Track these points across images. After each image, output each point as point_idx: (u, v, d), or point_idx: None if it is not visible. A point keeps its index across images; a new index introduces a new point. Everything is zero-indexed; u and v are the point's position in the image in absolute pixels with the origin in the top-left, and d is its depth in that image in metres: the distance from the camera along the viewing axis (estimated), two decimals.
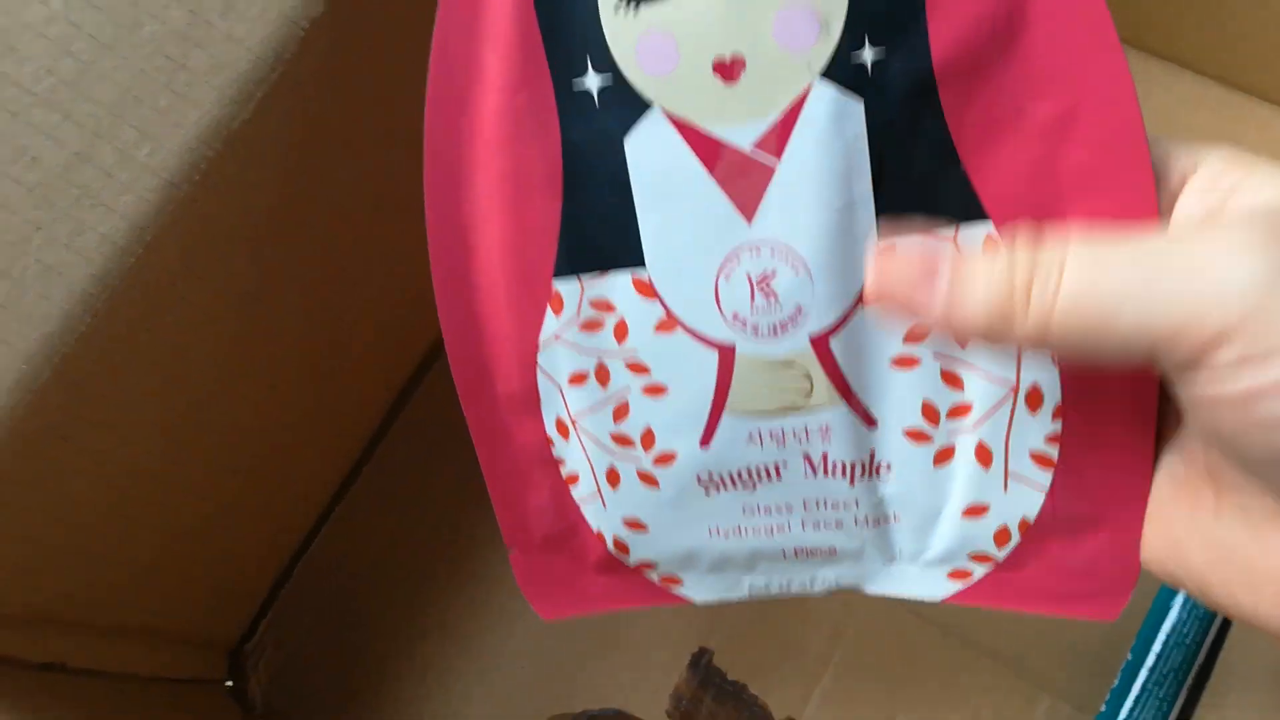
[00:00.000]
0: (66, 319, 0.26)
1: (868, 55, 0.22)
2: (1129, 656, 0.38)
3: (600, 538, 0.27)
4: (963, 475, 0.25)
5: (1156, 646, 0.38)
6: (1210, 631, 0.38)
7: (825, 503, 0.25)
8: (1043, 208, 0.22)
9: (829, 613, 0.41)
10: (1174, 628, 0.38)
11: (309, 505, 0.44)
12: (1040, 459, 0.24)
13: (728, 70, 0.22)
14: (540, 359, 0.25)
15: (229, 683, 0.42)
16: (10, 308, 0.26)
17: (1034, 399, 0.24)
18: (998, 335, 0.20)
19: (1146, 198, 0.21)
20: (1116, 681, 0.38)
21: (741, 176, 0.23)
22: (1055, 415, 0.24)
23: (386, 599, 0.44)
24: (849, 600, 0.41)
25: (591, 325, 0.25)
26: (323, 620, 0.43)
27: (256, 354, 0.34)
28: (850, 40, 0.22)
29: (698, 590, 0.27)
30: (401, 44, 0.32)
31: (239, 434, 0.35)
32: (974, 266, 0.20)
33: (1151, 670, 0.37)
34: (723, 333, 0.24)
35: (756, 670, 0.41)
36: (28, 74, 0.26)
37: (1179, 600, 0.38)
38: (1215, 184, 0.21)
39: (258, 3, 0.27)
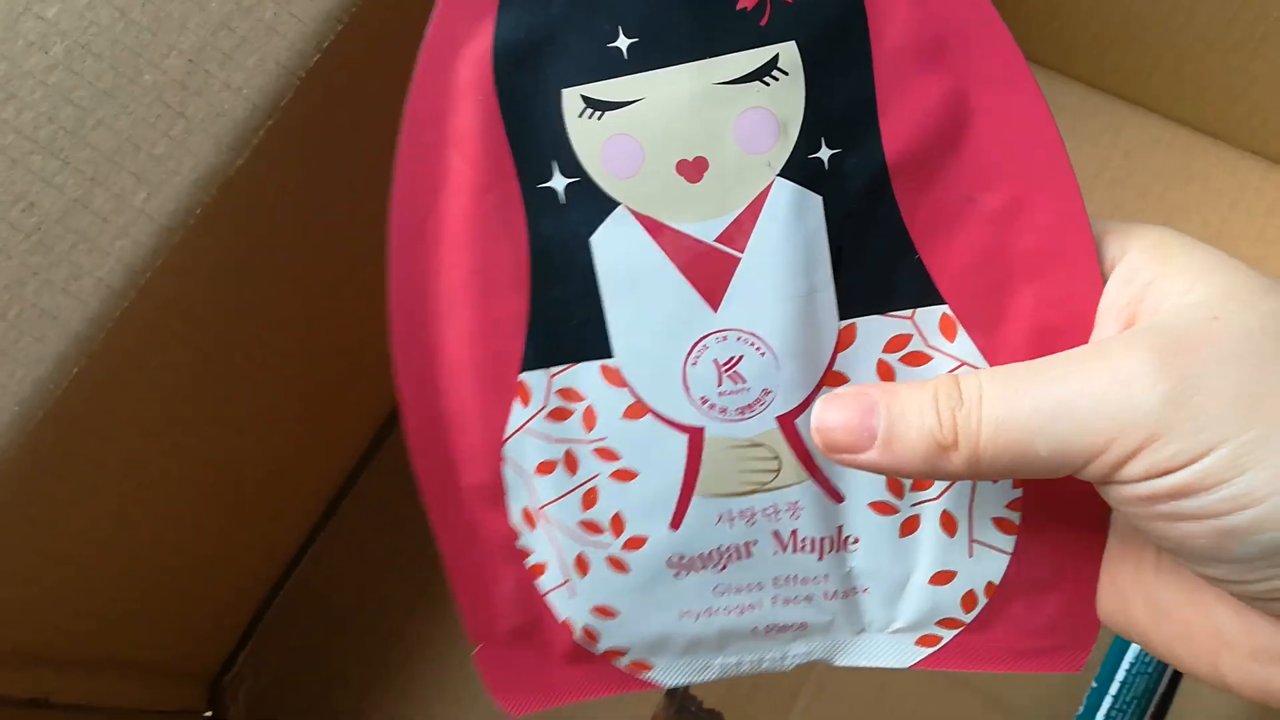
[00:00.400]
0: (60, 361, 0.26)
1: (824, 154, 0.23)
2: (1094, 684, 0.39)
3: (567, 628, 0.27)
4: (928, 544, 0.25)
5: (1120, 674, 0.39)
6: None
7: (795, 579, 0.26)
8: (994, 289, 0.23)
9: None
10: (1138, 654, 0.39)
11: (290, 536, 0.44)
12: (1003, 524, 0.25)
13: (691, 171, 0.23)
14: (506, 450, 0.25)
15: (208, 714, 0.42)
16: (5, 352, 0.26)
17: None
18: (935, 469, 0.21)
19: (1091, 276, 0.22)
20: (1081, 709, 0.39)
21: (706, 268, 0.23)
22: (1015, 482, 0.25)
23: (365, 629, 0.44)
24: None
25: (559, 414, 0.25)
26: (301, 650, 0.44)
27: (244, 391, 0.34)
28: (807, 143, 0.23)
29: (667, 675, 0.27)
30: (393, 93, 0.33)
31: (225, 468, 0.36)
32: (905, 405, 0.22)
33: (1115, 697, 0.38)
34: (691, 417, 0.24)
35: (732, 699, 0.42)
36: (27, 121, 0.26)
37: None
38: (1135, 276, 0.22)
39: (254, 53, 0.27)
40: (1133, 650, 0.39)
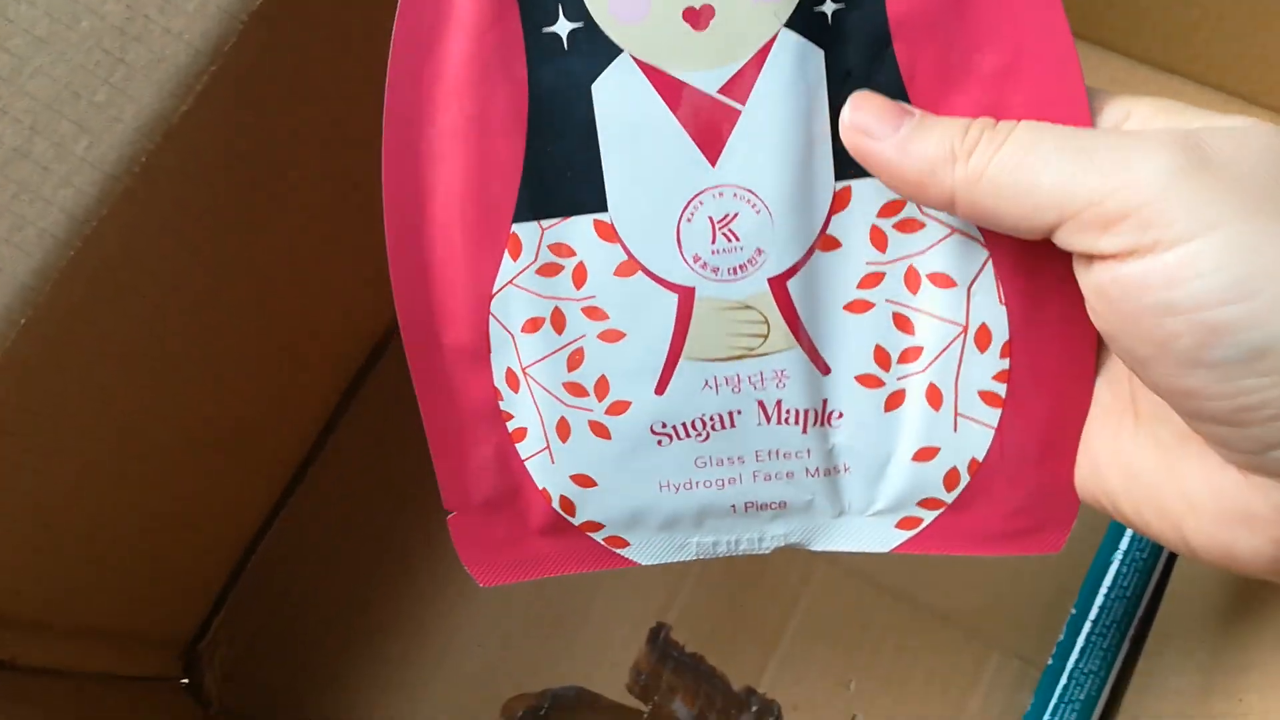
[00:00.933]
0: (6, 312, 0.26)
1: (829, 7, 0.23)
2: (1073, 610, 0.39)
3: (545, 496, 0.27)
4: (913, 419, 0.25)
5: (1099, 599, 0.39)
6: (1150, 584, 0.39)
7: (777, 453, 0.26)
8: None
9: (784, 583, 0.42)
10: (1115, 581, 0.39)
11: (259, 501, 0.44)
12: (989, 397, 0.25)
13: (697, 18, 0.23)
14: (494, 306, 0.25)
15: (184, 680, 0.42)
16: None
17: (982, 338, 0.25)
18: (934, 180, 0.22)
19: None
20: (1062, 635, 0.39)
21: (707, 120, 0.23)
22: (1003, 353, 0.25)
23: (339, 593, 0.44)
24: (804, 571, 0.42)
25: (549, 270, 0.25)
26: (275, 616, 0.43)
27: (203, 348, 0.34)
28: None
29: (644, 553, 0.27)
30: (340, 36, 0.32)
31: (187, 429, 0.35)
32: (937, 119, 0.22)
33: (1095, 622, 0.39)
34: (683, 275, 0.24)
35: (714, 642, 0.42)
36: None
37: (1119, 555, 0.39)
38: (1148, 125, 0.22)
39: None
40: (1110, 575, 0.39)
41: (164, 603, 0.40)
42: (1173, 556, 0.39)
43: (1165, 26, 0.46)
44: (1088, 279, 0.21)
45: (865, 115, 0.23)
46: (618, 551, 0.27)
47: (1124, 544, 0.39)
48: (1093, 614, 0.39)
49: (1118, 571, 0.39)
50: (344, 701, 0.42)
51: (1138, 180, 0.19)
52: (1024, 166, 0.20)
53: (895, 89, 0.23)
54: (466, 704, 0.42)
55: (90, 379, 0.29)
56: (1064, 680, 0.38)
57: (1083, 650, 0.38)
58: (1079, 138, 0.21)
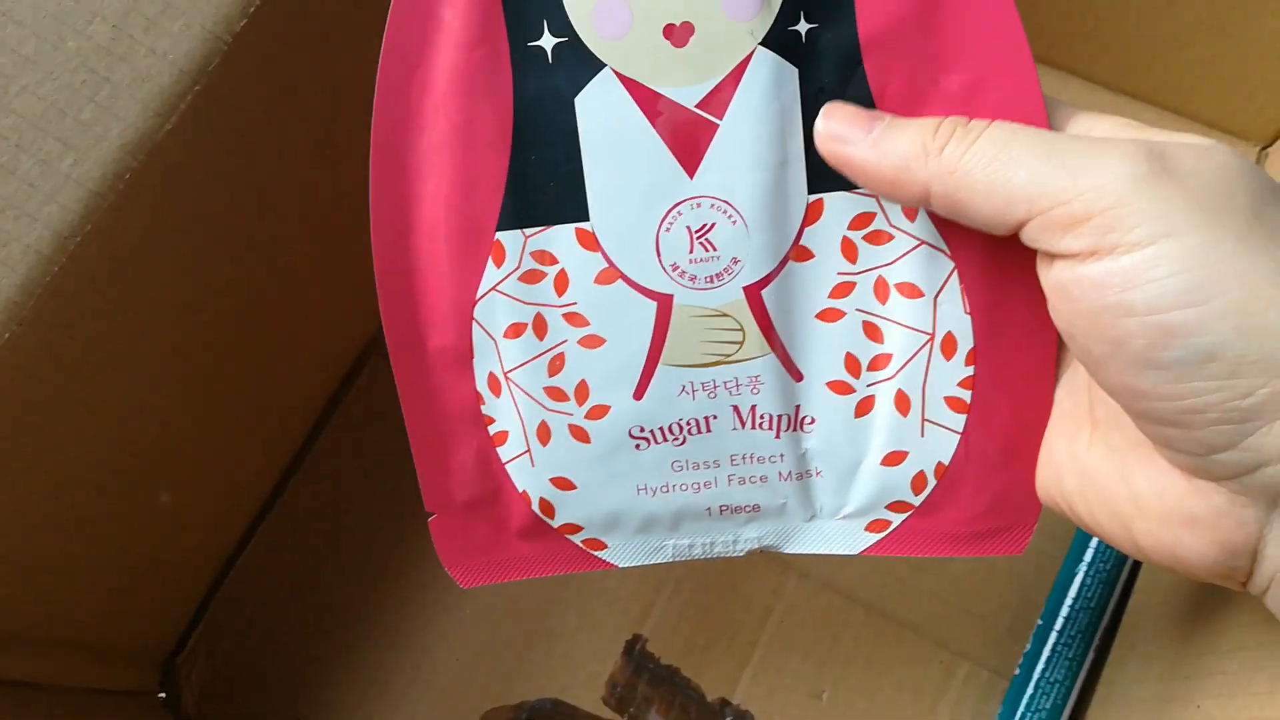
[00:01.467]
0: None
1: (802, 26, 0.24)
2: (1039, 621, 0.40)
3: (525, 498, 0.27)
4: (882, 424, 0.26)
5: (1064, 610, 0.40)
6: (1114, 595, 0.40)
7: (751, 457, 0.27)
8: None
9: (757, 595, 0.43)
10: (1079, 592, 0.40)
11: (238, 514, 0.44)
12: (954, 403, 0.26)
13: (677, 35, 0.24)
14: (477, 311, 0.26)
15: (161, 695, 0.42)
16: None
17: (949, 346, 0.26)
18: (907, 176, 0.22)
19: None
20: (1029, 645, 0.40)
21: (685, 133, 0.24)
22: (968, 360, 0.26)
23: (317, 606, 0.44)
24: (776, 583, 0.43)
25: (532, 277, 0.25)
26: (253, 629, 0.44)
27: (185, 362, 0.34)
28: (788, 14, 0.24)
29: (621, 555, 0.28)
30: (322, 56, 0.33)
31: (169, 443, 0.35)
32: (908, 120, 0.23)
33: (1060, 633, 0.39)
34: (661, 283, 0.25)
35: (688, 653, 0.42)
36: None
37: (1084, 566, 0.40)
38: (1112, 136, 0.23)
39: (180, 18, 0.27)
40: (1075, 585, 0.40)
41: (141, 616, 0.40)
42: (1136, 567, 0.40)
43: (1125, 53, 0.47)
44: (1050, 277, 0.22)
45: (837, 122, 0.24)
46: (595, 554, 0.28)
47: (1088, 555, 0.40)
48: (1058, 624, 0.40)
49: (1082, 582, 0.40)
50: (321, 715, 0.43)
51: (1103, 184, 0.20)
52: (998, 161, 0.21)
53: (866, 105, 0.24)
54: (444, 716, 0.42)
55: (71, 393, 0.30)
56: (1030, 690, 0.39)
57: (1048, 660, 0.39)
58: (1050, 140, 0.22)
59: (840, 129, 0.24)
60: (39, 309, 0.27)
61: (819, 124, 0.24)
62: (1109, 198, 0.20)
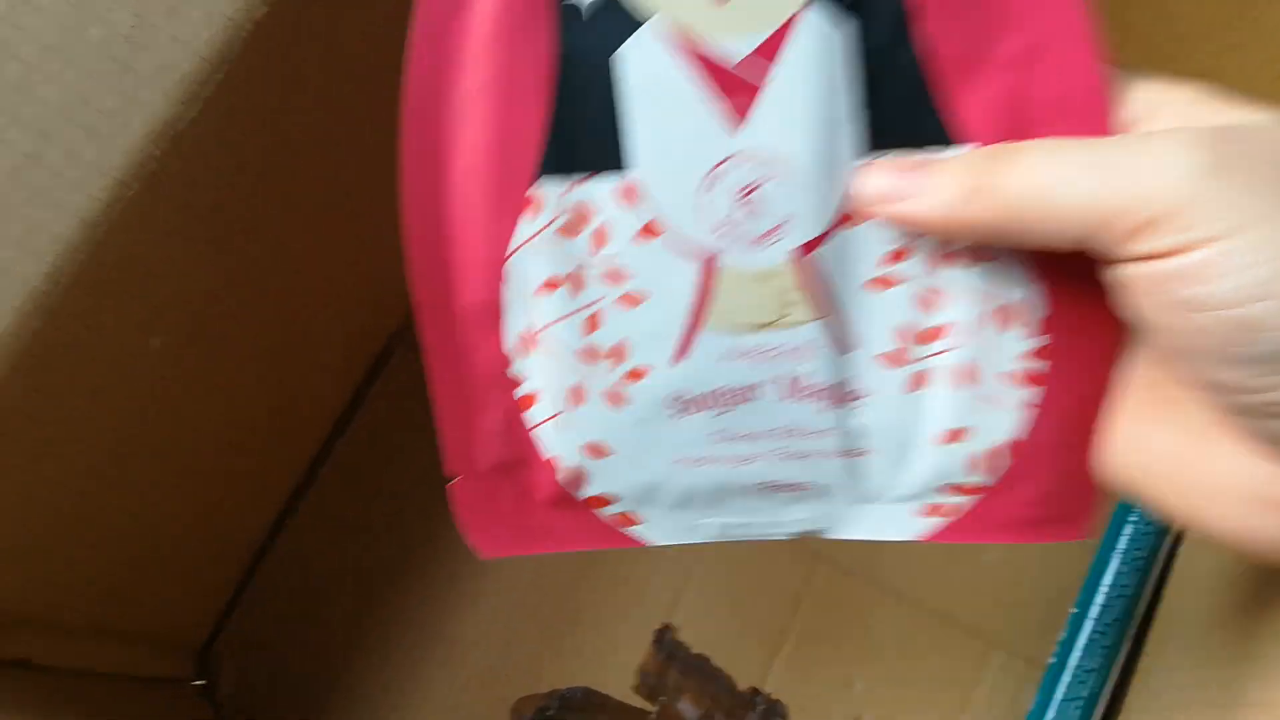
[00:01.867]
0: (20, 316, 0.26)
1: None
2: (1074, 609, 0.40)
3: (552, 466, 0.26)
4: (938, 400, 0.25)
5: (1099, 597, 0.39)
6: (1150, 581, 0.40)
7: (796, 431, 0.25)
8: (1015, 133, 0.23)
9: (787, 584, 0.43)
10: (1115, 579, 0.39)
11: (269, 502, 0.44)
12: (1024, 377, 0.24)
13: None
14: (510, 265, 0.25)
15: (199, 682, 0.43)
16: None
17: (1012, 315, 0.24)
18: (962, 209, 0.22)
19: (1107, 125, 0.22)
20: (1064, 633, 0.39)
21: (732, 88, 0.23)
22: (1035, 332, 0.24)
23: (350, 593, 0.44)
24: (806, 572, 0.43)
25: (569, 230, 0.24)
26: (287, 618, 0.44)
27: (212, 350, 0.34)
28: None
29: (657, 531, 0.27)
30: (346, 42, 0.33)
31: (197, 431, 0.36)
32: (943, 162, 0.22)
33: (1096, 620, 0.39)
34: (705, 242, 0.24)
35: (719, 643, 0.42)
36: None
37: (1118, 554, 0.40)
38: (1181, 116, 0.22)
39: (201, 5, 0.27)
40: (1110, 572, 0.39)
41: (175, 604, 0.41)
42: (1172, 554, 0.40)
43: (1153, 36, 0.46)
44: (1116, 274, 0.21)
45: (875, 183, 0.23)
46: (626, 530, 0.27)
47: (1123, 543, 0.40)
48: (1093, 612, 0.39)
49: (1117, 569, 0.39)
50: (354, 703, 0.43)
51: (1163, 185, 0.19)
52: (1045, 187, 0.20)
53: (918, 67, 0.23)
54: (475, 705, 0.42)
55: (99, 382, 0.30)
56: (1066, 678, 0.38)
57: (1084, 648, 0.39)
58: (1098, 149, 0.20)
59: (880, 187, 0.23)
60: (66, 298, 0.27)
61: (855, 187, 0.23)
62: (1172, 198, 0.19)
